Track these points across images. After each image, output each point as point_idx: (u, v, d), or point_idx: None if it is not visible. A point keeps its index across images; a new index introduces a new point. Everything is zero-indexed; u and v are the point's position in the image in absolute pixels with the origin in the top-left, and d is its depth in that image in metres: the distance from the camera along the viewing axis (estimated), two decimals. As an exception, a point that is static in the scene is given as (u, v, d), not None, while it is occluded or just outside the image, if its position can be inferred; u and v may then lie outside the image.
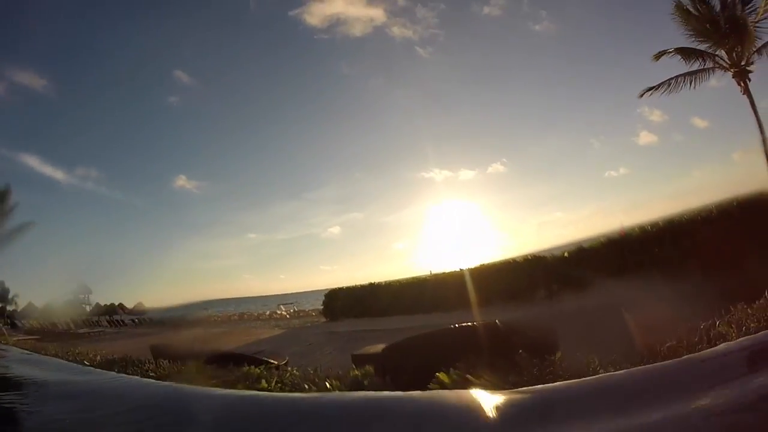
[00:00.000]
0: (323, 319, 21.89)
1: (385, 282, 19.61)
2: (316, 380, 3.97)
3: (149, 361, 6.02)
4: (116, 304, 49.00)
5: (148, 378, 5.08)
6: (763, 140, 15.37)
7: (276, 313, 35.03)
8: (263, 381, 3.99)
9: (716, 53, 16.30)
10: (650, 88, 17.34)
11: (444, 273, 17.77)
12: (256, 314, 36.85)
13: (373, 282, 19.95)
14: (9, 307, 56.82)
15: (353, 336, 13.88)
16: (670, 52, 16.73)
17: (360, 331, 14.77)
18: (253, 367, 4.71)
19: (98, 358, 7.10)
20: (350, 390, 3.56)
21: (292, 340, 14.98)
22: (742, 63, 15.93)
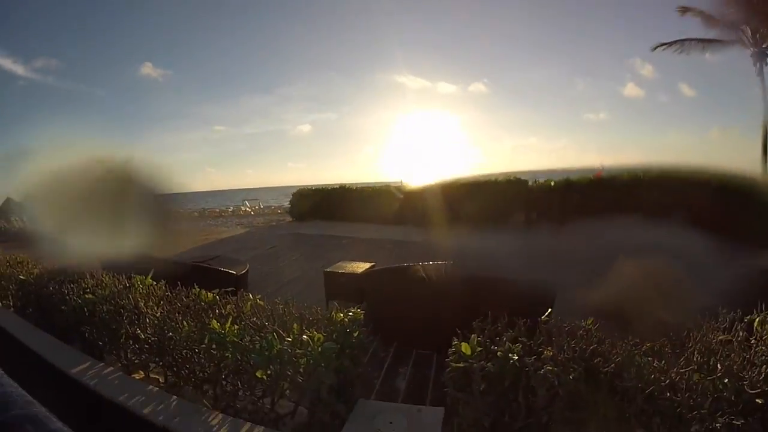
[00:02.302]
0: (289, 219, 21.20)
1: (357, 186, 19.00)
2: (287, 321, 3.04)
3: (92, 275, 5.03)
4: None
5: (85, 298, 4.27)
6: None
7: (240, 209, 34.25)
8: (214, 321, 3.00)
9: (741, 28, 16.28)
10: (663, 44, 17.40)
11: (417, 184, 17.07)
12: (218, 210, 36.05)
13: (344, 184, 19.31)
14: None
15: (321, 242, 13.18)
16: (696, 11, 16.58)
17: (328, 236, 14.08)
18: (203, 291, 3.72)
19: (36, 271, 6.20)
20: (334, 345, 2.64)
21: (254, 242, 14.11)
22: (764, 45, 16.12)
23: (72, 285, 4.69)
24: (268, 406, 2.93)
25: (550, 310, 2.89)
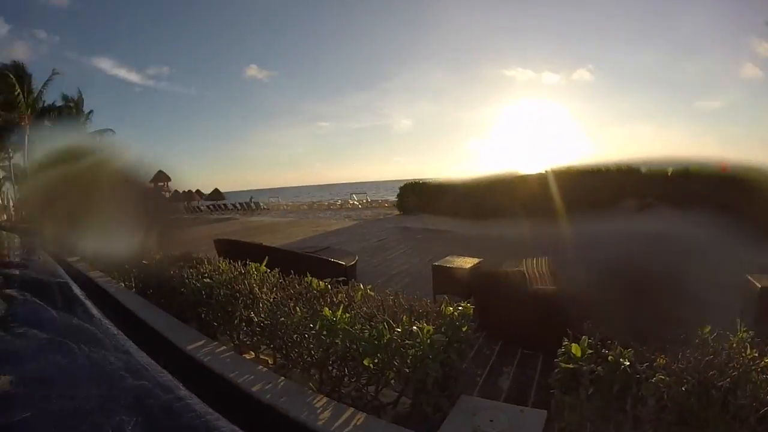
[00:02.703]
0: (396, 212, 21.59)
1: (465, 180, 18.59)
2: (397, 312, 3.14)
3: (209, 261, 5.50)
4: (193, 191, 51.42)
5: (204, 282, 4.60)
6: None
7: (348, 202, 35.13)
8: (326, 308, 3.15)
9: None
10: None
11: (526, 174, 16.38)
12: (326, 203, 37.16)
13: (452, 178, 19.41)
14: None
15: (429, 235, 13.29)
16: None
17: (435, 230, 14.17)
18: (315, 280, 3.91)
19: (158, 256, 6.68)
20: (443, 338, 2.70)
21: (362, 234, 14.49)
22: None
23: (191, 270, 5.05)
24: (372, 394, 3.03)
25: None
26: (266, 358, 4.08)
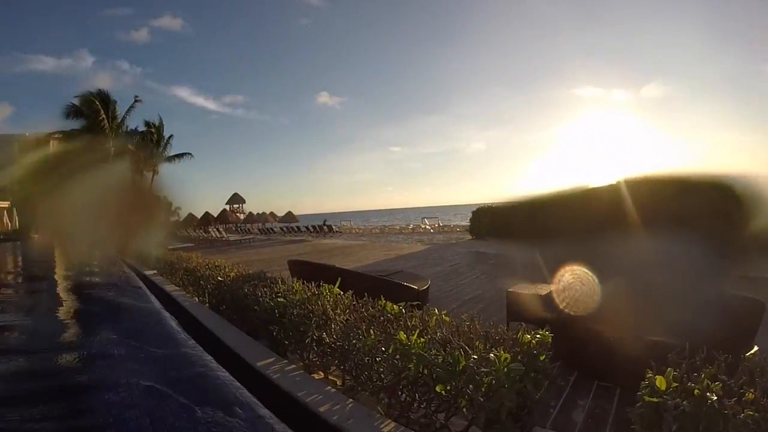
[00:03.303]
0: (468, 237, 21.49)
1: (536, 198, 18.08)
2: (473, 339, 3.12)
3: (283, 281, 5.63)
4: (267, 213, 53.35)
5: (277, 301, 4.73)
6: None
7: (420, 226, 35.38)
8: (401, 332, 3.17)
9: None
10: None
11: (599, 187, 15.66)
12: (398, 227, 37.46)
13: (522, 199, 18.58)
14: (172, 218, 68.40)
15: (502, 261, 13.01)
16: None
17: (508, 255, 13.84)
18: (389, 303, 3.95)
19: (232, 274, 6.97)
20: (520, 367, 2.66)
21: (435, 259, 14.52)
22: None
23: (265, 289, 5.19)
24: (441, 422, 2.99)
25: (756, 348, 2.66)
26: (335, 378, 4.12)
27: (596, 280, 4.74)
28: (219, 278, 6.70)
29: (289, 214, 51.68)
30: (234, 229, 47.45)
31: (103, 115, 40.97)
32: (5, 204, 56.58)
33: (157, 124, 46.52)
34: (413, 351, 2.98)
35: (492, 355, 2.71)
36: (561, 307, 4.97)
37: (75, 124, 42.64)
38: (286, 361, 4.33)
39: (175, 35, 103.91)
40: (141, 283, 10.15)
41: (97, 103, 40.88)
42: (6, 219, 54.04)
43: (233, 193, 59.88)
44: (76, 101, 41.80)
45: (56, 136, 46.91)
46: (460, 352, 2.78)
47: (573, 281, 4.99)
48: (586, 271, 4.91)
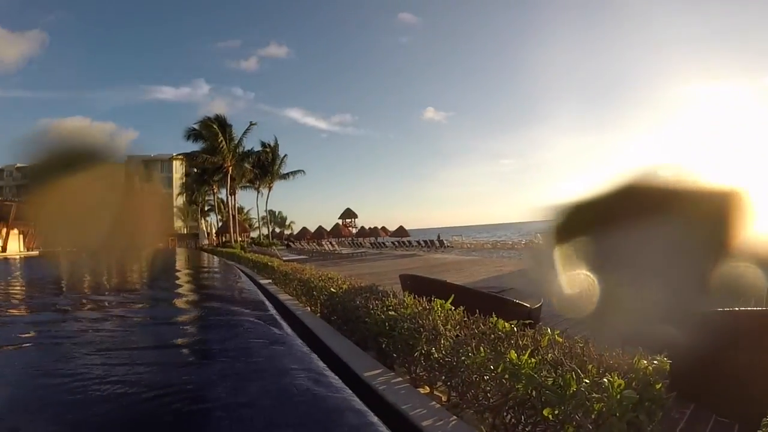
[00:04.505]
0: None
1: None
2: (586, 362, 3.03)
3: (394, 294, 5.77)
4: (378, 227, 54.73)
5: (388, 314, 4.86)
6: None
7: (532, 242, 34.66)
8: (512, 351, 3.18)
9: None
10: None
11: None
12: (510, 242, 36.80)
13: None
14: (286, 231, 73.29)
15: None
16: None
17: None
18: (501, 321, 3.96)
19: (345, 286, 7.19)
20: (634, 395, 2.56)
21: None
22: None
23: (376, 302, 5.36)
24: (546, 447, 2.96)
25: None
26: (440, 394, 4.17)
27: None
28: (332, 290, 6.97)
29: (401, 228, 52.37)
30: (346, 242, 48.75)
31: (221, 138, 45.20)
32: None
33: (272, 144, 50.43)
34: (523, 371, 2.96)
35: (606, 380, 2.64)
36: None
37: (195, 146, 48.02)
38: (392, 373, 4.45)
39: (282, 62, 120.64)
40: (260, 292, 10.71)
41: (215, 126, 45.93)
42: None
43: (345, 208, 61.95)
44: (196, 125, 47.73)
45: (178, 157, 52.91)
46: (572, 375, 2.73)
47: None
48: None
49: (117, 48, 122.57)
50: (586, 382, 2.68)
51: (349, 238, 53.79)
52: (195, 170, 53.21)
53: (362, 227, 56.93)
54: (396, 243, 45.41)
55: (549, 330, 3.61)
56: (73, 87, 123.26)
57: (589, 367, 2.86)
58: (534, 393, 2.91)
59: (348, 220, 61.84)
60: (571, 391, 2.67)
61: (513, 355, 3.10)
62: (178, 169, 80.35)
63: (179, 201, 79.76)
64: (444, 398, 4.06)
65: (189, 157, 51.12)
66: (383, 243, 46.31)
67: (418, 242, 42.78)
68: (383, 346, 4.81)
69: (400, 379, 4.28)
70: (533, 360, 3.04)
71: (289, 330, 6.69)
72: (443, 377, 3.95)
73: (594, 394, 2.60)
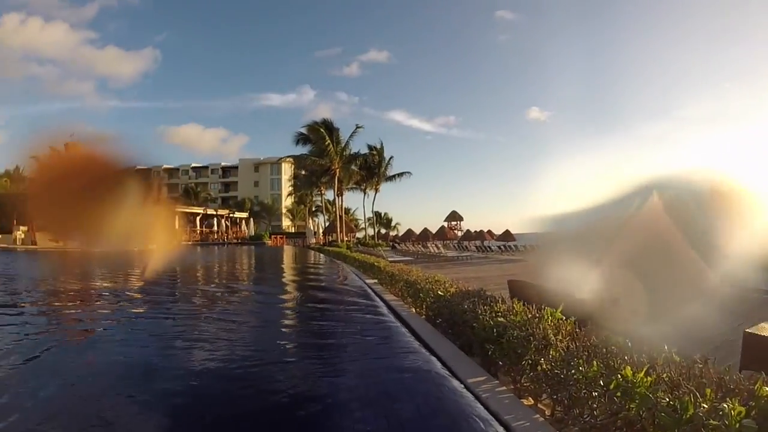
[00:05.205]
0: None
1: None
2: (704, 384, 2.86)
3: (503, 300, 5.82)
4: (484, 230, 54.37)
5: (497, 320, 4.87)
6: None
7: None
8: (628, 368, 3.08)
9: None
10: None
11: None
12: None
13: None
14: (391, 233, 74.92)
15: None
16: None
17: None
18: (612, 335, 3.88)
19: (452, 290, 7.29)
20: (753, 425, 2.38)
21: None
22: None
23: (485, 307, 5.37)
24: (654, 474, 2.83)
25: None
26: (544, 407, 4.12)
27: None
28: (439, 292, 7.06)
29: (507, 232, 51.59)
30: (451, 245, 48.65)
31: (329, 141, 47.21)
32: (244, 215, 70.70)
33: (378, 147, 51.83)
34: (638, 389, 2.87)
35: (726, 405, 2.51)
36: None
37: (303, 149, 51.20)
38: (497, 381, 4.43)
39: (383, 66, 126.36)
40: (370, 292, 10.96)
41: (322, 130, 48.30)
42: (245, 227, 70.09)
43: (451, 210, 61.95)
44: (303, 129, 50.67)
45: (287, 159, 56.34)
46: (690, 398, 2.62)
47: None
48: None
49: (225, 60, 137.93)
50: (704, 407, 2.56)
51: (454, 241, 53.66)
52: (303, 172, 55.83)
53: (468, 230, 56.62)
54: (502, 247, 44.68)
55: (666, 347, 3.45)
56: (185, 97, 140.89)
57: (708, 390, 2.72)
58: (646, 414, 2.82)
59: (453, 223, 61.88)
60: (688, 416, 2.55)
61: (628, 371, 3.00)
62: (286, 171, 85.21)
63: (288, 201, 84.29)
64: (548, 412, 4.01)
65: (297, 160, 53.94)
66: (489, 247, 45.63)
67: (524, 247, 41.81)
68: (489, 352, 4.80)
69: (504, 388, 4.25)
70: (649, 379, 2.92)
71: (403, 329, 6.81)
72: (549, 390, 3.87)
73: (712, 421, 2.48)
